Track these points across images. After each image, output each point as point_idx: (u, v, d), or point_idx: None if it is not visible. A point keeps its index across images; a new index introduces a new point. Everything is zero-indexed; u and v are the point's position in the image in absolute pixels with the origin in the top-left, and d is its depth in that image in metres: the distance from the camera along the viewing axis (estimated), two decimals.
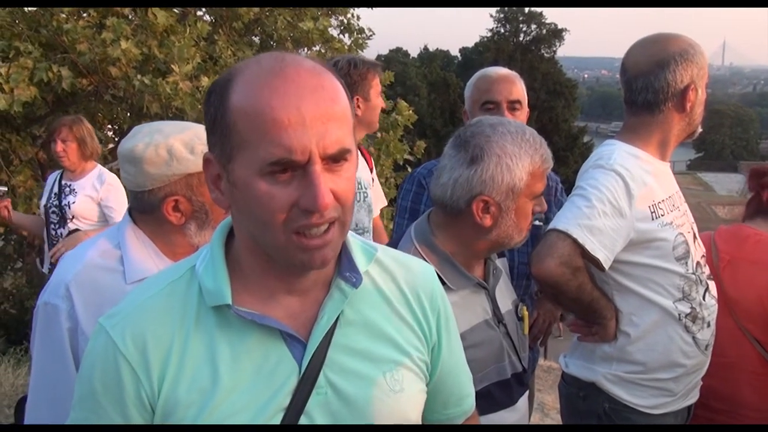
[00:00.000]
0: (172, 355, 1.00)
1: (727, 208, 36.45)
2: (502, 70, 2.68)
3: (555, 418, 4.61)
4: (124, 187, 1.69)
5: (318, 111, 0.91)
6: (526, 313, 1.85)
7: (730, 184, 47.91)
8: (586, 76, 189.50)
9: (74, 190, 4.16)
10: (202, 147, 1.58)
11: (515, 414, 1.75)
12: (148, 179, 1.59)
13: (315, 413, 1.03)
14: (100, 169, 4.27)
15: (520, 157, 1.61)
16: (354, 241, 1.13)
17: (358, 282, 1.07)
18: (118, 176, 3.88)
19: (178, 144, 1.59)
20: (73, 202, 4.13)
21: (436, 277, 1.24)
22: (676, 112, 2.07)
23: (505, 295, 1.83)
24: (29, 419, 1.57)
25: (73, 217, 4.14)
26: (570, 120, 39.24)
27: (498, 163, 1.60)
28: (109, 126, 8.13)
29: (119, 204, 4.09)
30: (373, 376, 1.07)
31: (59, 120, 4.29)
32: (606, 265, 1.94)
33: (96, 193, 4.14)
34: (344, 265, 1.09)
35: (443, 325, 1.20)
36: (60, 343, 1.53)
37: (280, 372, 1.02)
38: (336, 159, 0.94)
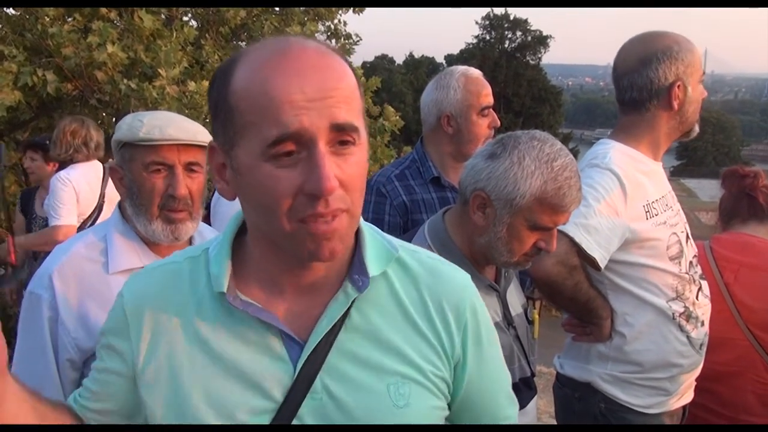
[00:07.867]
0: (172, 322, 1.02)
1: (711, 214, 36.39)
2: (476, 71, 2.55)
3: (547, 422, 4.60)
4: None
5: (323, 88, 0.87)
6: (536, 316, 1.81)
7: (712, 190, 48.16)
8: (570, 83, 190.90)
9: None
10: (141, 122, 1.58)
11: (526, 417, 1.72)
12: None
13: (308, 418, 0.98)
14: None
15: (531, 175, 1.52)
16: (372, 239, 1.05)
17: (363, 286, 1.00)
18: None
19: (130, 116, 1.62)
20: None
21: (470, 288, 1.11)
22: (663, 110, 2.05)
23: (516, 298, 1.80)
24: None
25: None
26: (555, 127, 39.62)
27: (508, 168, 1.54)
28: None
29: (55, 204, 3.83)
30: (375, 388, 1.00)
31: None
32: (602, 264, 1.93)
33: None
34: (355, 267, 1.02)
35: (471, 341, 1.08)
36: (40, 330, 1.57)
37: (274, 370, 0.98)
38: (343, 140, 0.89)
